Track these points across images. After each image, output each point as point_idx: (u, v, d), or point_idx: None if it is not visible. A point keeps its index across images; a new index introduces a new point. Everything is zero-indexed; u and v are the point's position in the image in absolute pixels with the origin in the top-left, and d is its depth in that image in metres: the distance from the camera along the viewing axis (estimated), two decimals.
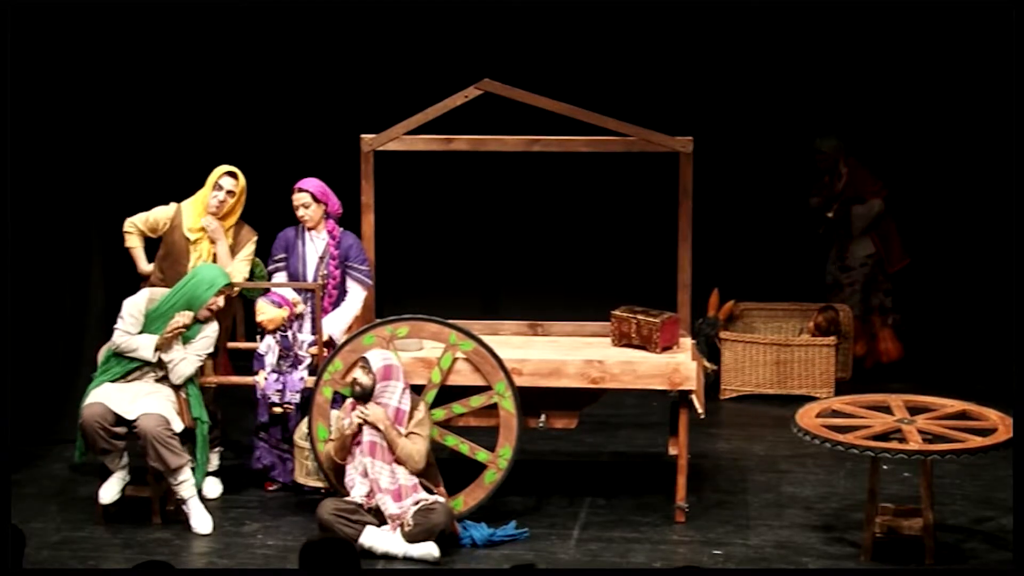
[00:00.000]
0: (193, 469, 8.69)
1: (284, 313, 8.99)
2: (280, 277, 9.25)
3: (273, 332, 8.99)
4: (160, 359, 8.71)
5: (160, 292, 8.85)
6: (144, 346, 8.68)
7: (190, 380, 8.79)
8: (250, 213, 9.29)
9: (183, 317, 8.67)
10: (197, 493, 8.71)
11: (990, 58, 11.12)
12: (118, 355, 8.75)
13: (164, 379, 8.77)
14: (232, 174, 9.12)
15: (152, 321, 8.75)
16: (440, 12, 11.54)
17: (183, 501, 8.66)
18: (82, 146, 11.04)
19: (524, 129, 9.33)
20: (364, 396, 8.40)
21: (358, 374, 8.40)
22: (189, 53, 11.59)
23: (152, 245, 9.29)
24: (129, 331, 8.72)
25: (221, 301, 8.80)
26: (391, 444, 8.36)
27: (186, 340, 8.77)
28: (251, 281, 9.21)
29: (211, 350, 8.88)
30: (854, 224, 11.42)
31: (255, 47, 11.66)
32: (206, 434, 8.82)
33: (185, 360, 8.74)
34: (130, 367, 8.74)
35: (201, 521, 8.64)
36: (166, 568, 6.22)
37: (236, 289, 9.14)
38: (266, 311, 8.97)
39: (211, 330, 8.83)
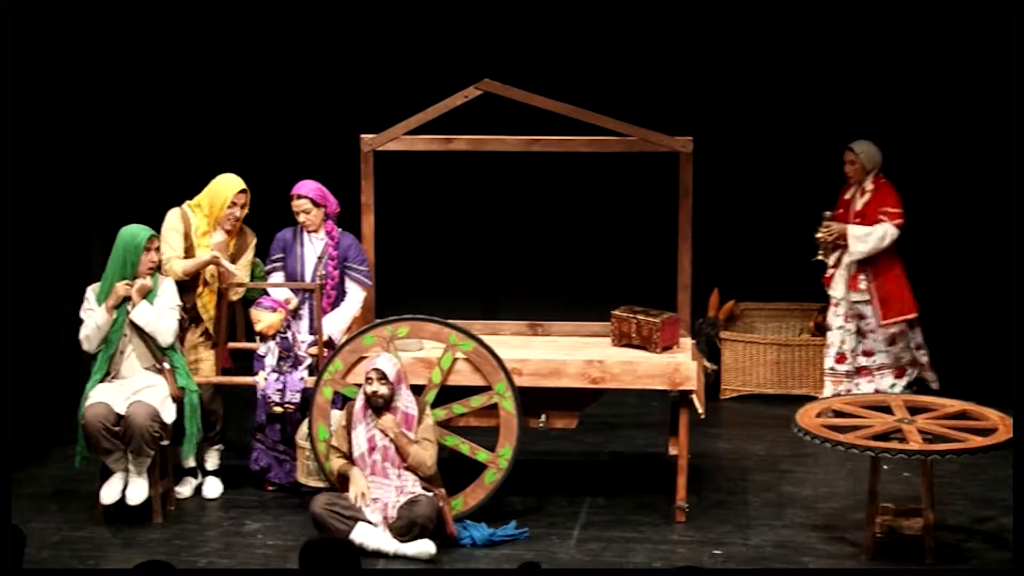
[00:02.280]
0: (181, 442, 8.84)
1: (280, 316, 8.99)
2: (277, 277, 9.25)
3: (273, 336, 9.00)
4: (140, 329, 8.71)
5: None
6: (98, 313, 8.70)
7: (172, 348, 8.81)
8: (250, 213, 9.29)
9: (121, 287, 8.67)
10: (195, 478, 8.91)
11: (989, 57, 11.12)
12: (97, 348, 8.76)
13: (153, 368, 8.79)
14: (244, 191, 9.11)
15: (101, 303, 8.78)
16: (440, 12, 11.54)
17: (117, 472, 8.69)
18: (83, 147, 11.05)
19: (524, 129, 9.34)
20: (385, 405, 8.39)
21: (376, 387, 8.36)
22: (189, 53, 11.59)
23: None
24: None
25: (155, 256, 8.76)
26: (402, 452, 8.36)
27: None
28: (251, 281, 9.22)
29: (179, 301, 8.88)
30: (850, 248, 10.32)
31: (255, 48, 11.66)
32: (195, 403, 8.84)
33: (162, 317, 8.76)
34: (109, 352, 8.74)
35: (109, 494, 8.66)
36: (166, 568, 6.22)
37: (238, 294, 9.14)
38: (263, 318, 8.96)
39: (167, 283, 8.87)
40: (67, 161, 10.88)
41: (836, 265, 10.50)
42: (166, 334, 8.78)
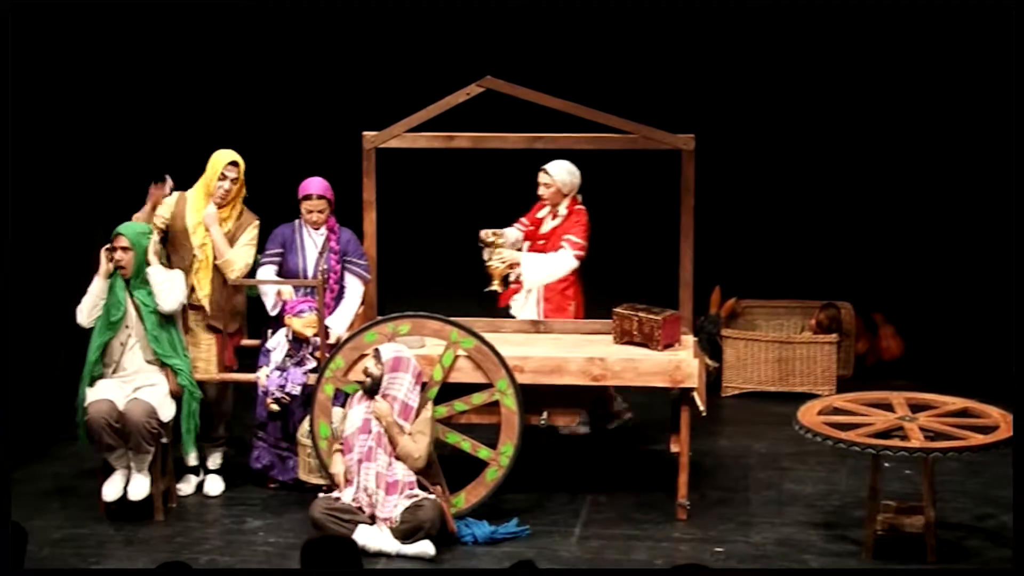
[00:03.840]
0: (179, 440, 8.87)
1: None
2: (269, 270, 9.22)
3: (307, 339, 8.98)
4: (143, 322, 8.75)
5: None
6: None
7: (179, 352, 8.85)
8: (252, 210, 9.28)
9: (103, 254, 8.77)
10: (196, 475, 9.04)
11: (991, 55, 11.11)
12: (88, 320, 8.80)
13: (156, 361, 8.80)
14: (234, 163, 9.12)
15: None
16: (442, 10, 11.54)
17: (120, 470, 8.72)
18: (84, 144, 11.05)
19: (526, 126, 9.32)
20: (373, 387, 8.40)
21: (369, 364, 8.42)
22: (192, 51, 11.60)
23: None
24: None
25: (119, 254, 8.77)
26: (392, 440, 8.37)
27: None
28: (251, 279, 9.22)
29: (184, 299, 8.91)
30: (524, 275, 9.49)
31: (257, 45, 11.67)
32: (194, 403, 8.85)
33: (171, 282, 8.82)
34: (103, 340, 8.75)
35: (111, 491, 8.70)
36: (184, 569, 6.18)
37: (234, 273, 9.11)
38: (313, 321, 8.96)
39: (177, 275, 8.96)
40: (69, 160, 10.87)
41: (519, 282, 9.70)
42: (173, 301, 8.79)
